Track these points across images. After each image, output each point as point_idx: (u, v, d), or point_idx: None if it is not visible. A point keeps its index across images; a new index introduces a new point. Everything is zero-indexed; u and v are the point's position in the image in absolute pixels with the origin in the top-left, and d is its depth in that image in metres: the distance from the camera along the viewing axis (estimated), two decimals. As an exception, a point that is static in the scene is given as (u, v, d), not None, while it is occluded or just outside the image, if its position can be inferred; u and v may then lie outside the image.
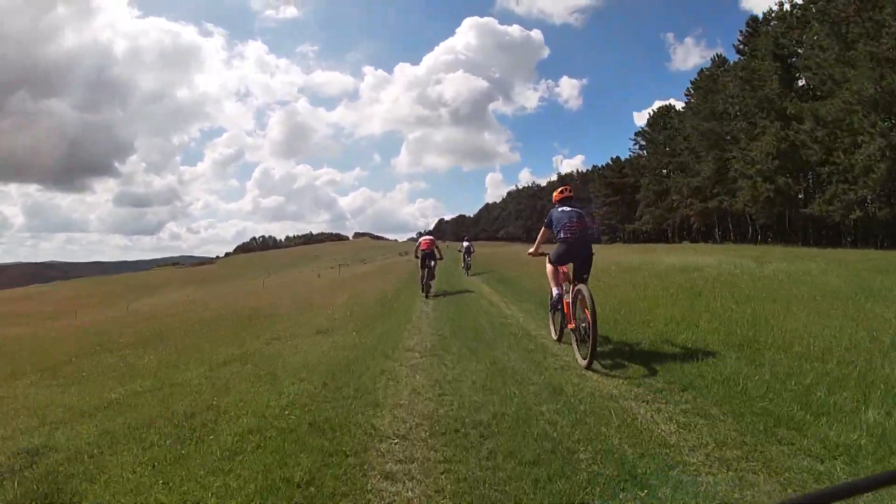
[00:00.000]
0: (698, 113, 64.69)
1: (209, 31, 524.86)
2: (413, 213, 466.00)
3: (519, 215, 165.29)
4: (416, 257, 16.00)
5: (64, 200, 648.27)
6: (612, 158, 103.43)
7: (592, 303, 5.96)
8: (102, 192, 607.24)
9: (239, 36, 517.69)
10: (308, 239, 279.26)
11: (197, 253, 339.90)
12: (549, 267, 7.25)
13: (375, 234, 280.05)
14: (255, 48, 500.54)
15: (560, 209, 7.00)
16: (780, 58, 50.56)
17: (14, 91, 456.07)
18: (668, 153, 77.35)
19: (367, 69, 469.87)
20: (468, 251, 25.25)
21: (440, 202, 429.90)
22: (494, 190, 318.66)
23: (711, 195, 62.35)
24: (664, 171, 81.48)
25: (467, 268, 24.16)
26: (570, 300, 6.64)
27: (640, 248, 43.58)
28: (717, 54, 67.58)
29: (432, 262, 15.77)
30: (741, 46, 59.33)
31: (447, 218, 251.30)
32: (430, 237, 16.72)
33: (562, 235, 6.78)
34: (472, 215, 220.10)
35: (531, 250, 7.95)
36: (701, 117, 63.64)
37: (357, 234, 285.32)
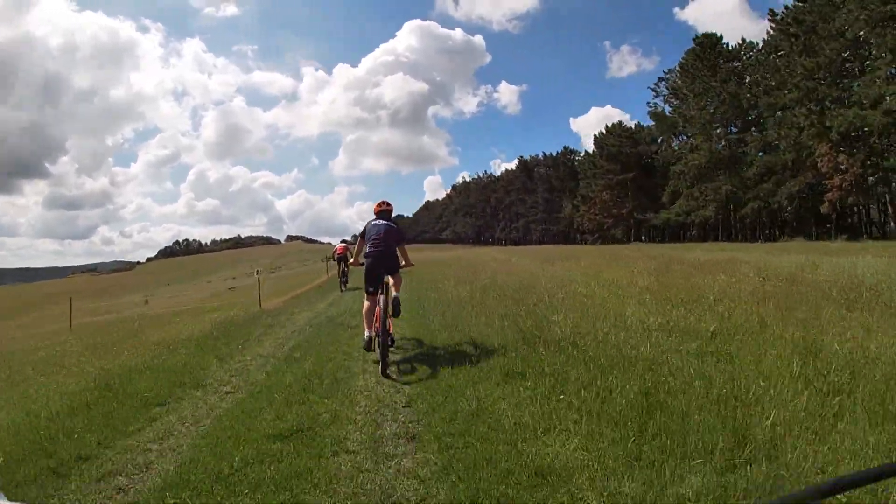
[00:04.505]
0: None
1: (146, 26, 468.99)
2: (352, 216, 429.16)
3: (468, 212, 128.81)
4: (333, 260, 18.74)
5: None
6: (609, 125, 69.06)
7: (385, 314, 6.05)
8: (32, 194, 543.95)
9: (177, 33, 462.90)
10: (237, 243, 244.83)
11: (130, 258, 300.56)
12: (365, 304, 6.71)
13: (310, 237, 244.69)
14: (192, 46, 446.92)
15: (374, 222, 6.86)
16: None
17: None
18: (746, 95, 43.78)
19: (307, 70, 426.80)
20: None
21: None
22: (433, 193, 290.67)
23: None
24: (725, 125, 47.73)
25: None
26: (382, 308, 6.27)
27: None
28: None
29: (345, 265, 16.77)
30: None
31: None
32: (345, 244, 18.31)
33: (367, 249, 6.69)
34: (410, 215, 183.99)
35: (352, 260, 7.67)
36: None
37: (290, 238, 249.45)
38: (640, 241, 57.01)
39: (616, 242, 62.26)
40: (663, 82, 58.72)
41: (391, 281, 6.42)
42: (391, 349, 6.29)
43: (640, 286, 10.07)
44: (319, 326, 9.37)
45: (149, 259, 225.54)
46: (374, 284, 6.53)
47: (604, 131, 68.58)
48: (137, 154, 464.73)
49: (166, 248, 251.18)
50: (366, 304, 6.64)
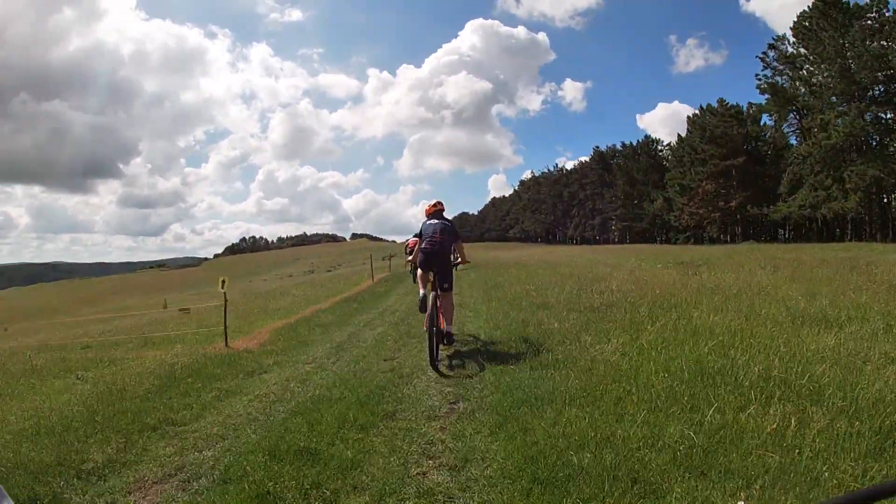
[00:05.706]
0: None
1: (214, 33, 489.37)
2: (416, 214, 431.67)
3: (537, 207, 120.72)
4: (406, 253, 17.83)
5: (69, 201, 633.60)
6: (704, 105, 60.28)
7: (435, 312, 6.45)
8: (107, 193, 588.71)
9: (244, 39, 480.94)
10: (302, 240, 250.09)
11: (202, 254, 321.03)
12: (418, 271, 7.31)
13: (375, 235, 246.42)
14: (259, 51, 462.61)
15: (429, 222, 7.24)
16: None
17: (16, 94, 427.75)
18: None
19: (372, 71, 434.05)
20: None
21: (443, 205, 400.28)
22: (498, 192, 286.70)
23: None
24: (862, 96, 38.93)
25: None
26: (431, 304, 6.76)
27: None
28: None
29: None
30: None
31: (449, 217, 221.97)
32: (416, 238, 17.73)
33: (422, 246, 7.09)
34: (476, 213, 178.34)
35: (410, 258, 8.90)
36: None
37: (355, 235, 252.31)
38: (752, 240, 48.33)
39: (712, 242, 54.07)
40: (773, 51, 49.81)
41: (439, 304, 6.71)
42: (453, 346, 7.07)
43: None
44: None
45: (216, 255, 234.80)
46: (424, 270, 7.09)
47: (697, 112, 59.92)
48: (209, 155, 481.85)
49: (233, 244, 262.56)
50: (419, 271, 7.21)
